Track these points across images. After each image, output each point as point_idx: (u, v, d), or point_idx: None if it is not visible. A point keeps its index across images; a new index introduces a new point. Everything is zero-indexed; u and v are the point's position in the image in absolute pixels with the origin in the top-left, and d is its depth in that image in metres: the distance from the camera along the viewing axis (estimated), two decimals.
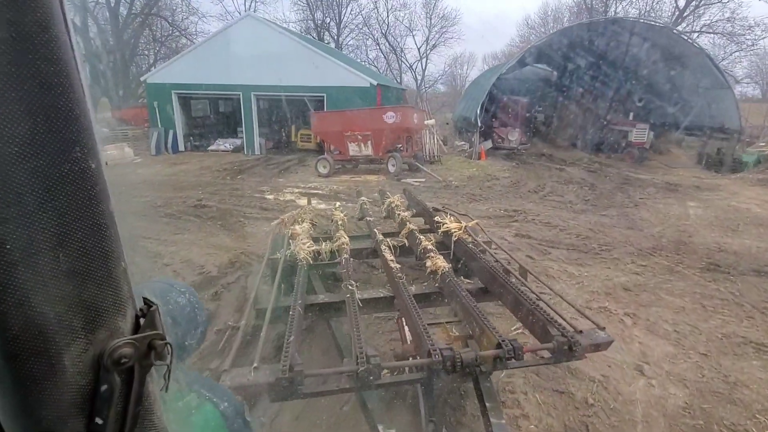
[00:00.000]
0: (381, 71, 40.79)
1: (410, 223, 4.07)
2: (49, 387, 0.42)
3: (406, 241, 3.86)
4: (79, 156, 0.40)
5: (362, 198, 5.51)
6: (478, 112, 15.78)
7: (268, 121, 20.06)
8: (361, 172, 13.74)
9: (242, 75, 17.00)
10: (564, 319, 2.29)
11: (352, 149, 12.94)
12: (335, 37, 40.08)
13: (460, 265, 3.52)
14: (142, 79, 18.68)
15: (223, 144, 19.23)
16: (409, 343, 2.60)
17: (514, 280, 2.90)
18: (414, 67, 39.21)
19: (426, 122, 17.48)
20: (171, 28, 33.94)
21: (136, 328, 0.50)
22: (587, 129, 18.61)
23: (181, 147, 18.86)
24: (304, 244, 3.52)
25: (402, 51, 39.30)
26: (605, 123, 18.35)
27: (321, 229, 4.55)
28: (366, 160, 13.22)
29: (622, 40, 16.94)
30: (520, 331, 3.65)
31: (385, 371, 2.00)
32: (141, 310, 0.51)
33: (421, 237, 3.63)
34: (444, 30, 38.92)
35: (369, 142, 12.62)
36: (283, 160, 16.79)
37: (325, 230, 4.47)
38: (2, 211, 0.36)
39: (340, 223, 4.16)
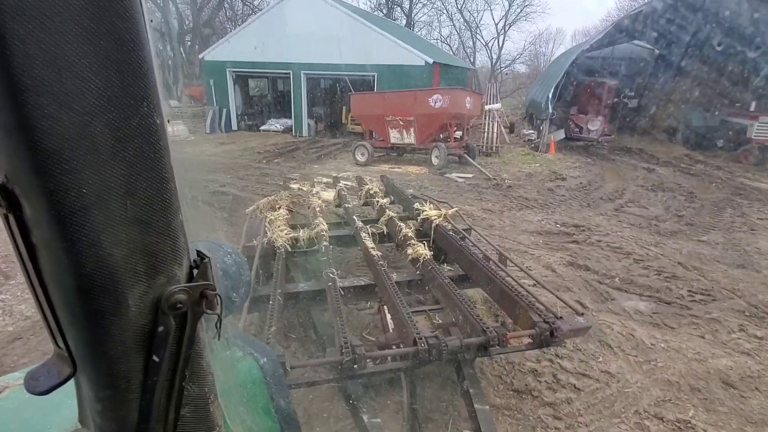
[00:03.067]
0: (453, 49, 38.16)
1: (389, 210, 3.96)
2: (115, 323, 0.46)
3: (385, 228, 3.78)
4: (146, 111, 0.41)
5: (340, 184, 5.24)
6: (550, 96, 13.38)
7: (318, 102, 19.27)
8: (403, 162, 12.32)
9: (293, 52, 16.22)
10: (543, 305, 2.32)
11: (393, 136, 11.53)
12: (406, 13, 38.09)
13: (440, 252, 3.45)
14: (200, 56, 18.72)
15: (275, 124, 18.83)
16: (391, 331, 2.54)
17: (493, 266, 2.89)
18: (490, 45, 36.01)
19: (488, 107, 15.45)
20: (243, 5, 34.43)
21: (190, 277, 0.52)
22: (691, 119, 15.18)
23: (234, 126, 18.79)
24: (281, 230, 3.45)
25: (478, 27, 36.23)
26: (716, 113, 14.76)
27: (298, 215, 4.34)
28: (409, 148, 11.74)
29: (748, 7, 13.22)
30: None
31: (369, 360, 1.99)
32: (194, 261, 0.54)
33: (401, 224, 3.57)
34: (526, 3, 35.00)
35: (411, 129, 11.11)
36: (329, 143, 15.87)
37: (302, 217, 4.25)
38: (81, 159, 0.38)
39: (318, 209, 4.01)
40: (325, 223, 3.70)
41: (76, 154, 0.38)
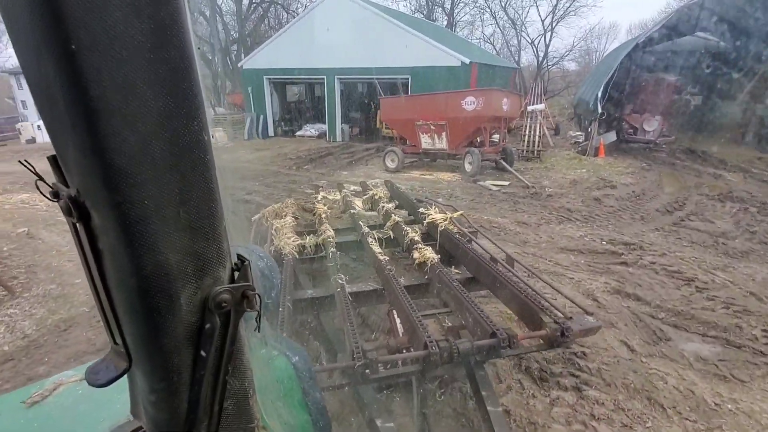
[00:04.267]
0: (497, 48, 36.81)
1: (395, 214, 3.98)
2: (169, 320, 0.50)
3: (391, 233, 3.79)
4: (196, 129, 0.45)
5: (344, 190, 5.20)
6: (599, 95, 12.24)
7: (352, 106, 19.07)
8: (435, 168, 11.72)
9: (326, 57, 16.11)
10: (553, 306, 2.30)
11: (425, 141, 10.98)
12: (448, 14, 37.27)
13: (447, 255, 3.44)
14: (239, 65, 19.13)
15: (310, 129, 18.86)
16: (401, 335, 2.52)
17: (501, 268, 2.88)
18: (536, 42, 34.27)
19: (531, 108, 14.50)
20: (286, 14, 35.21)
21: (232, 279, 0.56)
22: (764, 118, 13.36)
23: (271, 132, 19.02)
24: (288, 238, 3.45)
25: (523, 24, 34.61)
26: None
27: (303, 222, 4.29)
28: (442, 154, 11.14)
29: None
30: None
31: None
32: (236, 264, 0.57)
33: (407, 228, 3.59)
34: None
35: (443, 134, 10.50)
36: (361, 148, 15.57)
37: (308, 224, 4.22)
38: (143, 174, 0.42)
39: (323, 216, 4.02)
40: (331, 230, 3.69)
41: (140, 170, 0.42)
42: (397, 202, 4.68)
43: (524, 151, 12.65)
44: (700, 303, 4.42)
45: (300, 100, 22.34)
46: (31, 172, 0.47)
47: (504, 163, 10.54)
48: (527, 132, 13.12)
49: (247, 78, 18.37)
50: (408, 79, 15.03)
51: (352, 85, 19.25)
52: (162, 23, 0.40)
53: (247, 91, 18.55)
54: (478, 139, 10.80)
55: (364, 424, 2.27)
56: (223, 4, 33.23)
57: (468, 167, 10.24)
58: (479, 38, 38.21)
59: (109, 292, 0.48)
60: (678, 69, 14.52)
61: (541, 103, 17.46)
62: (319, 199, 5.02)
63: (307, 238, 3.60)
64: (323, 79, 16.82)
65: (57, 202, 0.45)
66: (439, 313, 2.78)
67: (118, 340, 0.53)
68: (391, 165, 11.38)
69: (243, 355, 0.61)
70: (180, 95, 0.43)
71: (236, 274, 0.57)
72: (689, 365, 3.48)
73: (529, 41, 33.96)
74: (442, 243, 3.53)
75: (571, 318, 2.23)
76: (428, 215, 3.84)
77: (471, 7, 36.83)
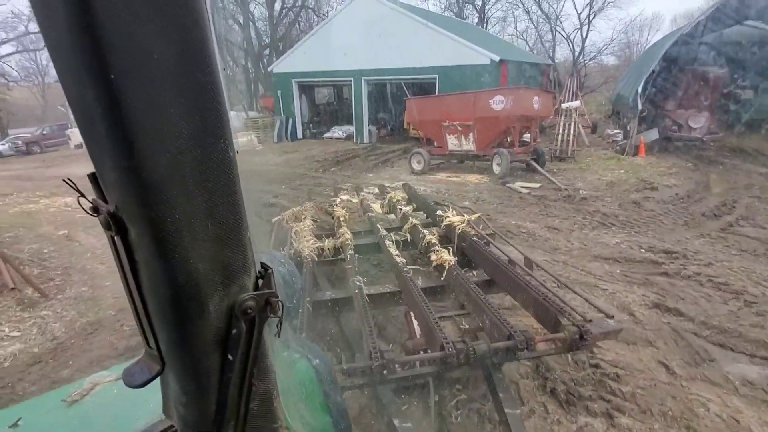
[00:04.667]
0: (530, 45, 35.77)
1: (413, 217, 3.97)
2: (199, 326, 0.53)
3: (409, 235, 3.79)
4: (222, 147, 0.48)
5: (363, 193, 5.26)
6: (639, 90, 11.56)
7: (379, 108, 19.00)
8: (462, 170, 11.43)
9: (353, 59, 16.12)
10: (572, 309, 2.28)
11: (451, 142, 10.72)
12: (479, 11, 36.57)
13: (464, 258, 3.40)
14: (269, 69, 19.48)
15: (338, 131, 18.96)
16: (418, 337, 2.52)
17: (519, 270, 2.86)
18: (572, 36, 32.98)
19: (565, 105, 13.92)
20: (317, 18, 35.65)
21: (256, 286, 0.59)
22: None
23: (300, 135, 19.26)
24: (307, 240, 3.49)
25: (558, 18, 33.42)
26: None
27: (322, 226, 4.37)
28: (470, 156, 10.85)
29: None
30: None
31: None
32: (260, 272, 0.60)
33: (425, 231, 3.57)
34: None
35: (470, 134, 10.21)
36: (388, 150, 15.46)
37: (327, 227, 4.28)
38: (175, 190, 0.45)
39: (342, 219, 4.05)
40: (349, 232, 3.71)
41: (171, 186, 0.45)
42: (414, 205, 4.67)
43: (557, 151, 12.13)
44: (749, 319, 4.00)
45: (328, 103, 22.54)
46: (74, 189, 0.49)
47: (535, 164, 10.13)
48: (561, 131, 12.57)
49: (277, 82, 18.69)
50: (435, 79, 14.78)
51: (379, 87, 19.19)
52: (190, 48, 0.42)
53: (277, 94, 18.87)
54: (508, 139, 10.43)
55: (382, 423, 2.27)
56: (255, 10, 34.05)
57: (496, 169, 9.91)
58: (511, 35, 37.28)
59: (144, 299, 0.51)
60: (726, 61, 13.51)
61: (576, 100, 16.76)
62: (338, 202, 5.07)
63: (326, 241, 3.65)
64: (350, 81, 16.85)
65: (97, 216, 0.47)
66: (456, 315, 2.75)
67: (152, 345, 0.55)
68: (417, 167, 11.20)
69: (267, 359, 0.64)
70: (207, 115, 0.45)
71: (260, 281, 0.60)
72: (734, 390, 3.13)
73: (565, 36, 32.74)
74: (459, 245, 3.51)
75: (590, 321, 2.19)
76: (446, 218, 3.83)
77: (503, 3, 35.98)
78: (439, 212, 4.02)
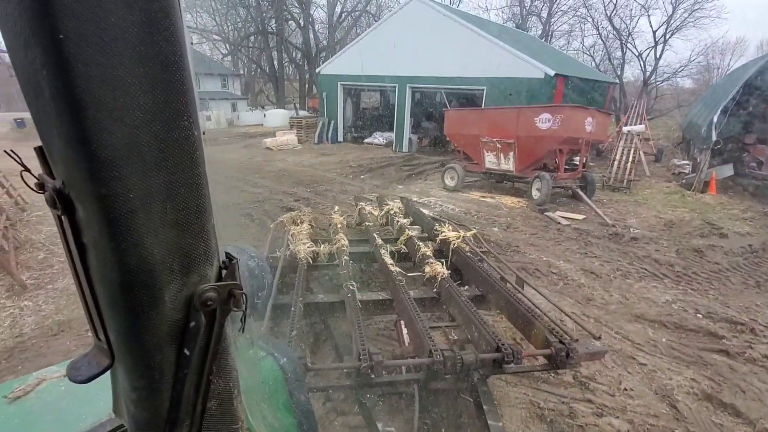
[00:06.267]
0: (596, 61, 33.57)
1: (408, 230, 4.04)
2: (152, 317, 0.49)
3: (404, 247, 3.87)
4: (186, 124, 0.44)
5: (360, 203, 5.12)
6: (715, 119, 10.09)
7: (423, 116, 18.35)
8: (499, 191, 10.51)
9: (400, 65, 15.62)
10: (560, 328, 2.33)
11: (489, 160, 9.86)
12: (543, 23, 34.91)
13: (457, 273, 3.44)
14: (317, 70, 19.46)
15: (378, 137, 18.53)
16: (407, 345, 2.55)
17: (510, 287, 2.88)
18: (645, 55, 30.47)
19: (627, 128, 12.62)
20: (376, 23, 35.69)
21: (219, 277, 0.55)
22: None
23: (340, 138, 19.03)
24: (303, 244, 3.55)
25: (630, 35, 31.05)
26: None
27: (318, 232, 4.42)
28: (508, 176, 9.92)
29: None
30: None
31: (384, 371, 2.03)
32: (223, 262, 0.56)
33: (420, 243, 3.63)
34: (696, 6, 28.63)
35: (510, 153, 9.30)
36: (425, 161, 14.77)
37: (323, 234, 4.33)
38: (129, 167, 0.41)
39: (339, 226, 4.12)
40: (346, 239, 3.75)
41: (126, 163, 0.41)
42: (411, 219, 4.63)
43: (611, 179, 10.88)
44: None
45: (373, 107, 22.21)
46: (17, 162, 0.46)
47: (581, 192, 9.04)
48: (619, 156, 11.29)
49: (323, 83, 18.59)
50: (483, 90, 13.91)
51: (425, 95, 18.57)
52: (154, 16, 0.39)
53: (322, 96, 18.77)
54: (556, 161, 9.37)
55: (365, 426, 2.28)
56: (315, 13, 34.68)
57: (535, 194, 8.93)
58: (577, 50, 35.21)
59: (92, 286, 0.48)
60: None
61: (641, 123, 15.20)
62: (335, 209, 5.03)
63: (322, 246, 3.69)
64: (395, 87, 16.35)
65: (42, 193, 0.44)
66: (446, 326, 2.76)
67: (101, 336, 0.52)
68: (449, 183, 10.44)
69: (228, 355, 0.60)
70: (170, 91, 0.42)
71: (224, 272, 0.56)
72: None
73: (636, 54, 30.37)
74: (453, 260, 3.51)
75: (577, 340, 2.23)
76: (441, 232, 3.83)
77: (570, 17, 34.08)
78: (436, 227, 4.00)
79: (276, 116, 26.40)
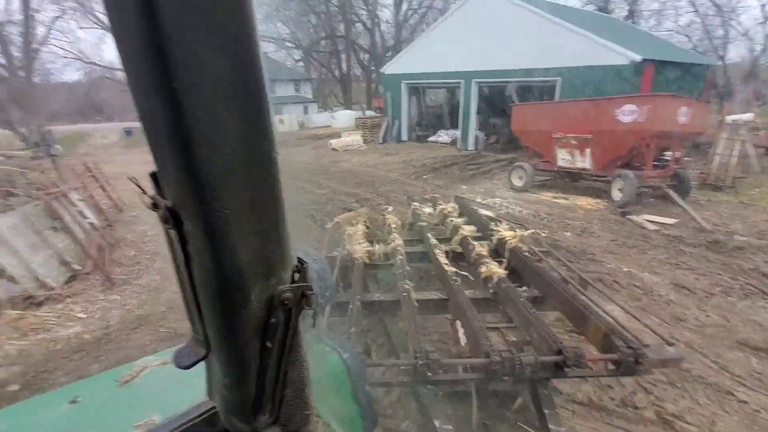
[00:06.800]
0: (694, 42, 29.77)
1: (463, 229, 4.01)
2: (242, 314, 0.56)
3: (459, 247, 3.84)
4: (266, 148, 0.50)
5: (414, 203, 5.10)
6: None
7: (490, 112, 17.56)
8: (572, 191, 9.66)
9: (466, 60, 15.09)
10: (629, 332, 2.20)
11: (562, 158, 9.09)
12: (629, 3, 31.70)
13: (514, 273, 3.31)
14: (381, 70, 19.54)
15: (443, 135, 18.14)
16: (463, 345, 2.54)
17: (572, 289, 2.78)
18: (750, 32, 26.35)
19: (731, 118, 10.96)
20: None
21: (293, 279, 0.61)
22: None
23: (405, 137, 18.94)
24: (359, 244, 3.65)
25: (733, 11, 27.06)
26: None
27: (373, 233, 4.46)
28: (584, 175, 9.09)
29: None
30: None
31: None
32: (296, 266, 0.62)
33: (475, 243, 3.59)
34: None
35: (587, 150, 8.49)
36: (492, 159, 14.12)
37: (378, 234, 4.37)
38: (224, 188, 0.48)
39: (393, 227, 4.17)
40: (400, 239, 3.77)
41: (222, 184, 0.47)
42: (466, 218, 4.54)
43: (711, 177, 9.49)
44: None
45: (438, 105, 21.80)
46: (138, 187, 0.53)
47: (673, 192, 7.97)
48: (721, 150, 9.80)
49: (387, 83, 18.62)
50: (557, 82, 12.93)
51: (492, 90, 17.76)
52: (240, 57, 0.44)
53: (386, 96, 18.82)
54: (642, 157, 8.34)
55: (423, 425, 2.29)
56: (381, 12, 34.95)
57: (617, 195, 8.05)
58: (669, 30, 31.50)
59: (194, 289, 0.54)
60: None
61: (748, 111, 13.11)
62: (389, 210, 5.14)
63: (377, 246, 3.73)
64: (460, 83, 15.85)
65: (156, 211, 0.50)
66: (503, 327, 2.69)
67: (199, 330, 0.59)
68: (517, 183, 9.83)
69: (301, 348, 0.66)
70: (254, 119, 0.48)
71: (296, 275, 0.62)
72: None
73: (741, 31, 26.40)
74: (510, 260, 3.43)
75: (647, 346, 2.12)
76: (497, 232, 3.74)
77: None
78: (491, 226, 3.91)
79: (343, 117, 27.08)
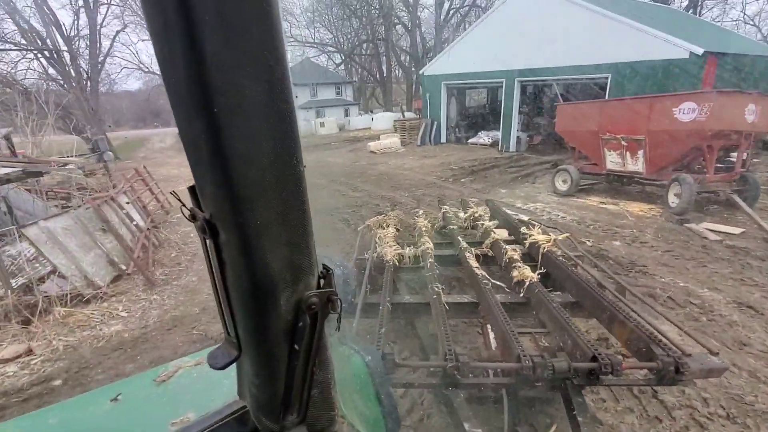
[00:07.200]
0: (765, 33, 27.15)
1: (494, 233, 3.97)
2: (273, 318, 0.60)
3: (490, 251, 3.79)
4: (295, 163, 0.53)
5: (444, 207, 5.04)
6: None
7: (534, 112, 16.86)
8: (622, 195, 9.00)
9: (507, 59, 14.57)
10: (669, 341, 2.12)
11: (611, 160, 8.49)
12: None
13: (547, 278, 3.28)
14: (420, 71, 19.33)
15: (484, 137, 17.65)
16: (494, 349, 2.53)
17: (610, 296, 2.70)
18: None
19: None
20: None
21: (319, 285, 0.64)
22: None
23: (443, 139, 18.63)
24: (390, 246, 3.67)
25: None
26: None
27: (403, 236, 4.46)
28: (636, 179, 8.44)
29: None
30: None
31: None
32: (322, 272, 0.65)
33: (507, 247, 3.56)
34: None
35: (640, 152, 7.85)
36: (535, 162, 13.52)
37: (408, 238, 4.38)
38: (257, 201, 0.51)
39: (423, 230, 4.17)
40: (430, 242, 3.76)
41: (256, 198, 0.51)
42: (497, 221, 4.49)
43: None
44: None
45: (479, 106, 21.26)
46: (177, 200, 0.57)
47: (738, 198, 7.20)
48: None
49: (426, 84, 18.40)
50: (608, 79, 12.16)
51: (537, 89, 17.05)
52: (273, 84, 0.48)
53: (425, 97, 18.60)
54: (703, 159, 7.62)
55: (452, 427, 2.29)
56: (422, 14, 34.72)
57: (673, 200, 7.39)
58: (735, 20, 28.94)
59: (228, 294, 0.58)
60: None
61: None
62: (420, 213, 5.13)
63: (407, 249, 3.75)
64: (502, 82, 15.33)
65: (194, 223, 0.54)
66: (535, 332, 2.64)
67: (231, 333, 0.63)
68: (561, 187, 9.31)
69: (326, 351, 0.69)
70: (284, 138, 0.51)
71: (321, 281, 0.64)
72: None
73: None
74: (543, 264, 3.35)
75: (689, 355, 2.02)
76: (530, 236, 3.68)
77: None
78: (523, 230, 3.85)
79: (383, 119, 27.12)
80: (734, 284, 4.92)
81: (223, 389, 0.87)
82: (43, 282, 5.30)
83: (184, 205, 0.55)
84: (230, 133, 0.46)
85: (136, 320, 4.91)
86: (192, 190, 0.54)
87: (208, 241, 0.55)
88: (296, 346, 0.63)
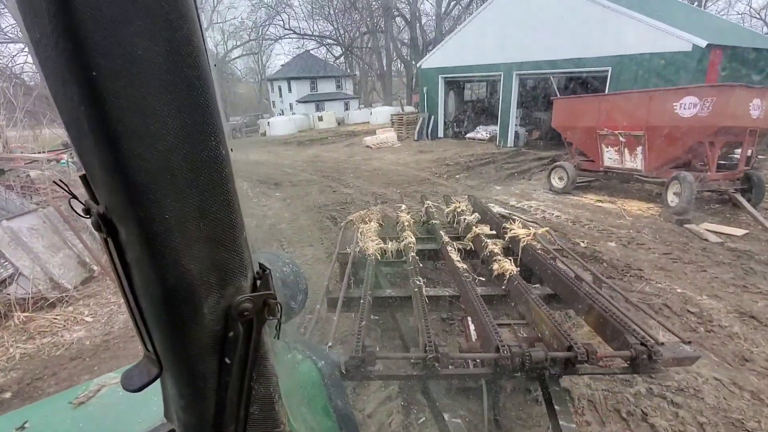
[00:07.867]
0: None
1: (476, 227, 4.00)
2: (194, 328, 0.51)
3: (471, 244, 3.85)
4: (214, 144, 0.46)
5: (427, 202, 5.09)
6: None
7: (531, 106, 16.48)
8: (620, 193, 8.69)
9: (506, 52, 14.18)
10: (643, 330, 2.15)
11: (608, 157, 8.17)
12: None
13: (527, 271, 3.36)
14: (418, 65, 18.93)
15: (482, 131, 17.30)
16: (474, 340, 2.55)
17: (587, 287, 2.75)
18: None
19: None
20: None
21: (254, 288, 0.57)
22: None
23: (441, 133, 18.28)
24: (372, 241, 3.66)
25: None
26: None
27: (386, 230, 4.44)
28: (634, 176, 8.12)
29: None
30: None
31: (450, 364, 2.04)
32: (257, 273, 0.58)
33: (488, 241, 3.61)
34: None
35: (638, 149, 7.53)
36: (532, 157, 13.19)
37: (390, 232, 4.36)
38: (163, 190, 0.44)
39: (406, 224, 4.19)
40: (412, 236, 3.79)
41: (160, 186, 0.43)
42: (479, 216, 4.49)
43: None
44: None
45: (477, 100, 20.88)
46: (65, 191, 0.49)
47: (741, 198, 6.88)
48: None
49: (424, 78, 18.01)
50: (607, 72, 11.78)
51: (535, 82, 16.66)
52: (177, 45, 0.40)
53: (422, 91, 18.22)
54: (705, 156, 7.29)
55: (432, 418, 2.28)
56: (422, 6, 34.17)
57: (672, 200, 7.07)
58: (741, 13, 28.35)
59: (138, 301, 0.50)
60: None
61: None
62: (402, 208, 5.08)
63: (389, 243, 3.73)
64: (500, 75, 14.95)
65: (89, 218, 0.46)
66: (514, 324, 2.66)
67: (150, 347, 0.54)
68: (557, 184, 9.00)
69: (267, 361, 0.62)
70: (197, 113, 0.44)
71: (258, 282, 0.57)
72: None
73: None
74: (523, 258, 3.41)
75: (662, 344, 2.08)
76: (510, 230, 3.73)
77: None
78: (505, 225, 3.89)
79: (381, 113, 26.73)
80: (736, 291, 4.63)
81: (153, 409, 0.76)
82: (9, 285, 5.04)
83: (73, 196, 0.48)
84: (118, 104, 0.39)
85: (101, 326, 4.65)
86: (84, 178, 0.46)
87: (107, 239, 0.47)
88: (227, 360, 0.56)
